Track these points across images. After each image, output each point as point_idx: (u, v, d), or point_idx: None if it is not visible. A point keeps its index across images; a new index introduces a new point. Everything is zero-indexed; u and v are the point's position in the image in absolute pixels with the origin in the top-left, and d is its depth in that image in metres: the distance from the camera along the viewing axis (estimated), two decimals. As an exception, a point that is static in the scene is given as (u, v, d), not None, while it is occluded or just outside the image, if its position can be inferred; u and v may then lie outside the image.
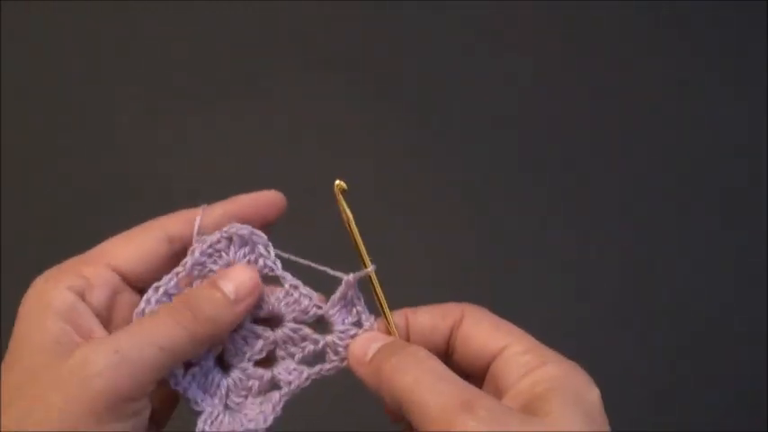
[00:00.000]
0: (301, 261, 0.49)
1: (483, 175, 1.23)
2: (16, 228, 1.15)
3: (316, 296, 0.49)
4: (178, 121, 1.24)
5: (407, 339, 0.48)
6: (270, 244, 0.48)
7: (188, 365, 0.48)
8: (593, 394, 0.42)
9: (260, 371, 0.49)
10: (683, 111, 1.28)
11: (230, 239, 0.48)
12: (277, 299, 0.49)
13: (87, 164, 1.21)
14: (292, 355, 0.49)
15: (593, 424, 0.41)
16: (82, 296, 0.45)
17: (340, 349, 0.48)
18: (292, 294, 0.48)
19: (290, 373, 0.49)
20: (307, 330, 0.49)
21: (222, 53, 1.31)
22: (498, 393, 0.44)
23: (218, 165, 1.20)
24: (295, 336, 0.49)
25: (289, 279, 0.49)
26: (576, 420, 0.40)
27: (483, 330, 0.46)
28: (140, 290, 0.48)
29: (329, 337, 0.48)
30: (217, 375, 0.48)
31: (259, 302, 0.48)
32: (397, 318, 0.48)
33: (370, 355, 0.46)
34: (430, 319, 0.47)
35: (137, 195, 1.15)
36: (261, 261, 0.48)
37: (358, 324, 0.48)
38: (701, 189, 1.23)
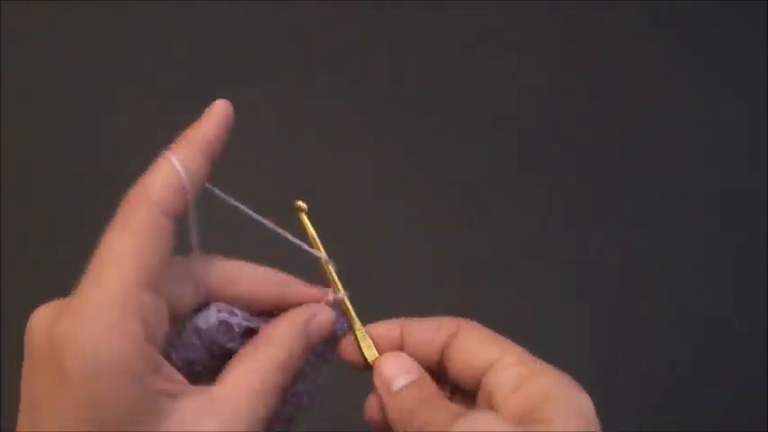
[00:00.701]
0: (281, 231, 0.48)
1: (483, 174, 1.23)
2: (16, 228, 1.15)
3: None
4: (178, 122, 1.24)
5: (400, 350, 0.48)
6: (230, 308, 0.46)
7: None
8: (586, 401, 0.42)
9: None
10: (683, 111, 1.28)
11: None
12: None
13: (87, 164, 1.21)
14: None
15: (593, 428, 0.41)
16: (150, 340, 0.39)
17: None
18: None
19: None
20: None
21: (222, 53, 1.31)
22: (492, 406, 0.43)
23: (218, 165, 1.19)
24: None
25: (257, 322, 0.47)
26: (579, 423, 0.40)
27: (475, 343, 0.45)
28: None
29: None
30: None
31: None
32: (392, 328, 0.48)
33: (397, 386, 0.46)
34: (424, 331, 0.47)
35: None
36: (236, 320, 0.46)
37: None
38: (701, 189, 1.23)
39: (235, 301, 0.45)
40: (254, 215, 0.48)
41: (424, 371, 0.47)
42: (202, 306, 0.45)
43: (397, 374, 0.46)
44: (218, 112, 0.49)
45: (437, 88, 1.29)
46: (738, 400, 1.09)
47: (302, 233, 0.49)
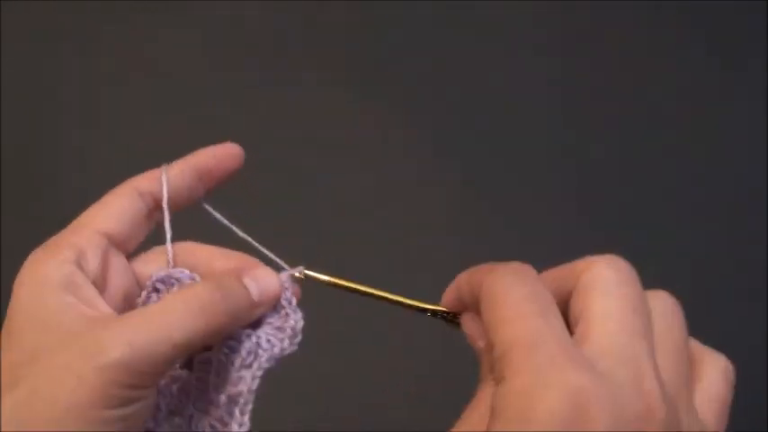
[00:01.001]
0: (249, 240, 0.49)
1: (484, 174, 1.23)
2: (16, 227, 1.15)
3: None
4: (178, 121, 1.24)
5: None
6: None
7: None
8: (540, 413, 0.35)
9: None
10: (684, 110, 1.28)
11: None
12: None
13: (88, 163, 1.21)
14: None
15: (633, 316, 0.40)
16: (78, 265, 0.45)
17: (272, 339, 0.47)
18: None
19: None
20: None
21: (222, 53, 1.31)
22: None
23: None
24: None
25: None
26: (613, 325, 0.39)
27: (484, 317, 0.42)
28: (126, 251, 0.48)
29: (260, 332, 0.47)
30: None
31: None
32: (449, 296, 0.49)
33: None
34: (465, 295, 0.47)
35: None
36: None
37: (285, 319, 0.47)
38: (702, 189, 1.23)
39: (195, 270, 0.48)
40: (247, 237, 0.50)
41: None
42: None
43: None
44: (224, 149, 0.53)
45: (438, 88, 1.29)
46: (738, 400, 1.09)
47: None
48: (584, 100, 1.29)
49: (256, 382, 0.45)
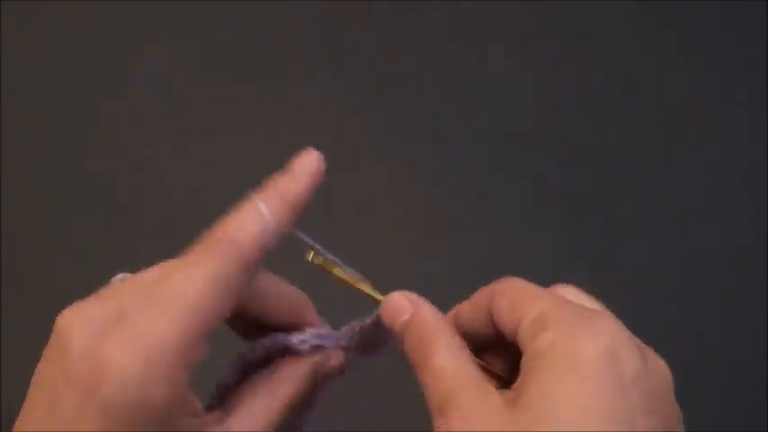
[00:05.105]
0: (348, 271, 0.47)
1: (484, 175, 1.23)
2: (16, 227, 1.15)
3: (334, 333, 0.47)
4: (178, 121, 1.24)
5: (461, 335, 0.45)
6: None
7: None
8: (590, 351, 0.35)
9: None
10: (683, 110, 1.28)
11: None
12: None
13: (88, 164, 1.21)
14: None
15: (583, 393, 0.35)
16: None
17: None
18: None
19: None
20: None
21: (223, 53, 1.31)
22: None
23: (219, 165, 1.20)
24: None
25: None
26: (558, 398, 0.35)
27: (501, 310, 0.41)
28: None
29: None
30: None
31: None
32: (449, 319, 0.46)
33: (398, 325, 0.43)
34: (471, 312, 0.44)
35: (138, 195, 1.15)
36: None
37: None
38: (702, 189, 1.23)
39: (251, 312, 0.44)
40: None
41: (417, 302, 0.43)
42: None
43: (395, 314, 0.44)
44: (310, 169, 0.45)
45: (437, 88, 1.29)
46: (738, 400, 1.09)
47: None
48: (584, 100, 1.29)
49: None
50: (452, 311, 0.46)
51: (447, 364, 0.40)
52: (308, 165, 0.45)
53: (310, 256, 0.46)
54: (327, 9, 1.33)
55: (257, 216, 0.40)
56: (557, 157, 1.25)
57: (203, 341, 0.37)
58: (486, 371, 0.45)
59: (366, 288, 0.47)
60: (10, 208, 1.16)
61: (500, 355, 0.43)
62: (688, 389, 1.15)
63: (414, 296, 0.44)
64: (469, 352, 0.41)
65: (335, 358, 0.46)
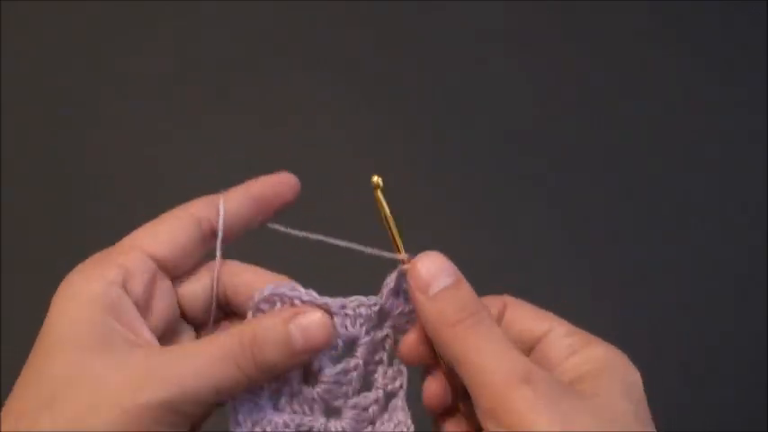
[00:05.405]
0: (348, 244, 0.49)
1: (484, 175, 1.23)
2: (16, 227, 1.15)
3: (363, 299, 0.47)
4: (178, 121, 1.24)
5: None
6: (294, 283, 0.47)
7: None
8: (635, 376, 0.44)
9: (370, 395, 0.47)
10: (683, 110, 1.28)
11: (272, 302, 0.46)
12: (344, 327, 0.47)
13: (88, 163, 1.20)
14: (381, 361, 0.47)
15: (638, 405, 0.42)
16: (125, 288, 0.44)
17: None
18: (348, 314, 0.47)
19: (394, 376, 0.47)
20: (380, 333, 0.47)
21: (224, 53, 1.31)
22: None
23: (219, 165, 1.20)
24: (374, 344, 0.47)
25: (333, 303, 0.47)
26: (623, 400, 0.41)
27: (527, 316, 0.47)
28: (174, 275, 0.47)
29: (388, 325, 0.47)
30: (269, 412, 0.46)
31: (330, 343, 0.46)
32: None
33: (435, 289, 0.44)
34: None
35: (138, 195, 1.15)
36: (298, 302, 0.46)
37: (407, 301, 0.47)
38: (702, 189, 1.23)
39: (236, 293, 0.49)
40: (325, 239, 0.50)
41: (459, 272, 0.45)
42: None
43: (433, 276, 0.45)
44: (281, 179, 0.52)
45: (438, 88, 1.29)
46: (738, 400, 1.09)
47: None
48: (584, 100, 1.29)
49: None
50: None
51: (495, 360, 0.41)
52: (279, 175, 0.51)
53: (376, 180, 0.48)
54: (327, 9, 1.33)
55: (214, 195, 0.49)
56: (557, 157, 1.25)
57: (146, 258, 0.47)
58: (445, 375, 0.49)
59: (398, 239, 0.48)
60: (10, 208, 1.16)
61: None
62: (688, 389, 1.15)
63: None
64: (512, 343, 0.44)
65: (311, 314, 0.46)
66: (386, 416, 0.46)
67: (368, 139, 1.25)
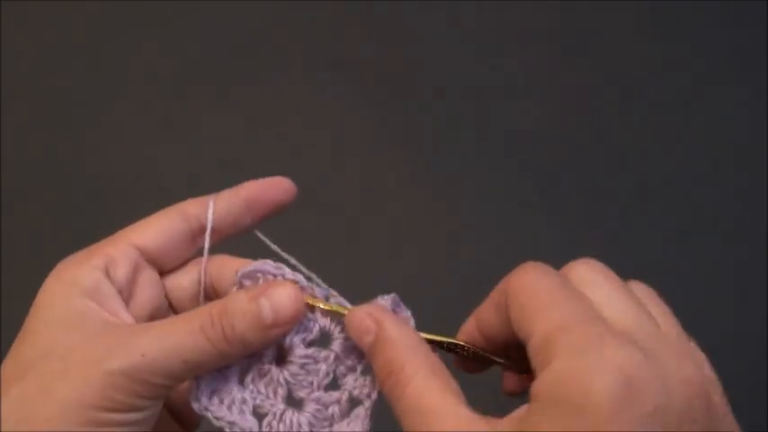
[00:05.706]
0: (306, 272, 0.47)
1: (484, 175, 1.23)
2: (16, 227, 1.15)
3: (346, 303, 0.46)
4: (178, 121, 1.24)
5: (482, 344, 0.45)
6: (282, 266, 0.47)
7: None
8: (602, 391, 0.34)
9: (335, 394, 0.46)
10: (683, 110, 1.28)
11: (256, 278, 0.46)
12: (323, 315, 0.46)
13: (88, 164, 1.21)
14: (354, 368, 0.46)
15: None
16: (106, 273, 0.45)
17: None
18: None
19: (363, 384, 0.46)
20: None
21: (224, 53, 1.31)
22: None
23: (219, 165, 1.20)
24: (349, 347, 0.46)
25: (319, 291, 0.46)
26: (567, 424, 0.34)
27: (514, 315, 0.41)
28: (162, 268, 0.49)
29: None
30: (237, 392, 0.46)
31: (305, 325, 0.46)
32: (470, 324, 0.46)
33: (365, 345, 0.43)
34: (490, 315, 0.44)
35: (138, 195, 1.15)
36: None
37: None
38: (702, 189, 1.23)
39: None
40: (299, 266, 0.48)
41: (386, 321, 0.43)
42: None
43: (358, 337, 0.44)
44: (273, 182, 0.51)
45: (438, 88, 1.29)
46: (738, 400, 1.09)
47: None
48: (584, 100, 1.29)
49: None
50: (472, 316, 0.46)
51: (421, 393, 0.39)
52: (269, 178, 0.51)
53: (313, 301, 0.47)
54: (327, 9, 1.33)
55: (205, 197, 0.50)
56: (557, 157, 1.25)
57: (131, 250, 0.48)
58: (508, 368, 0.46)
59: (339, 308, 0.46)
60: (10, 208, 1.16)
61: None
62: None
63: (378, 311, 0.43)
64: (447, 375, 0.40)
65: (282, 288, 0.45)
66: (346, 421, 0.46)
67: (368, 139, 1.25)
